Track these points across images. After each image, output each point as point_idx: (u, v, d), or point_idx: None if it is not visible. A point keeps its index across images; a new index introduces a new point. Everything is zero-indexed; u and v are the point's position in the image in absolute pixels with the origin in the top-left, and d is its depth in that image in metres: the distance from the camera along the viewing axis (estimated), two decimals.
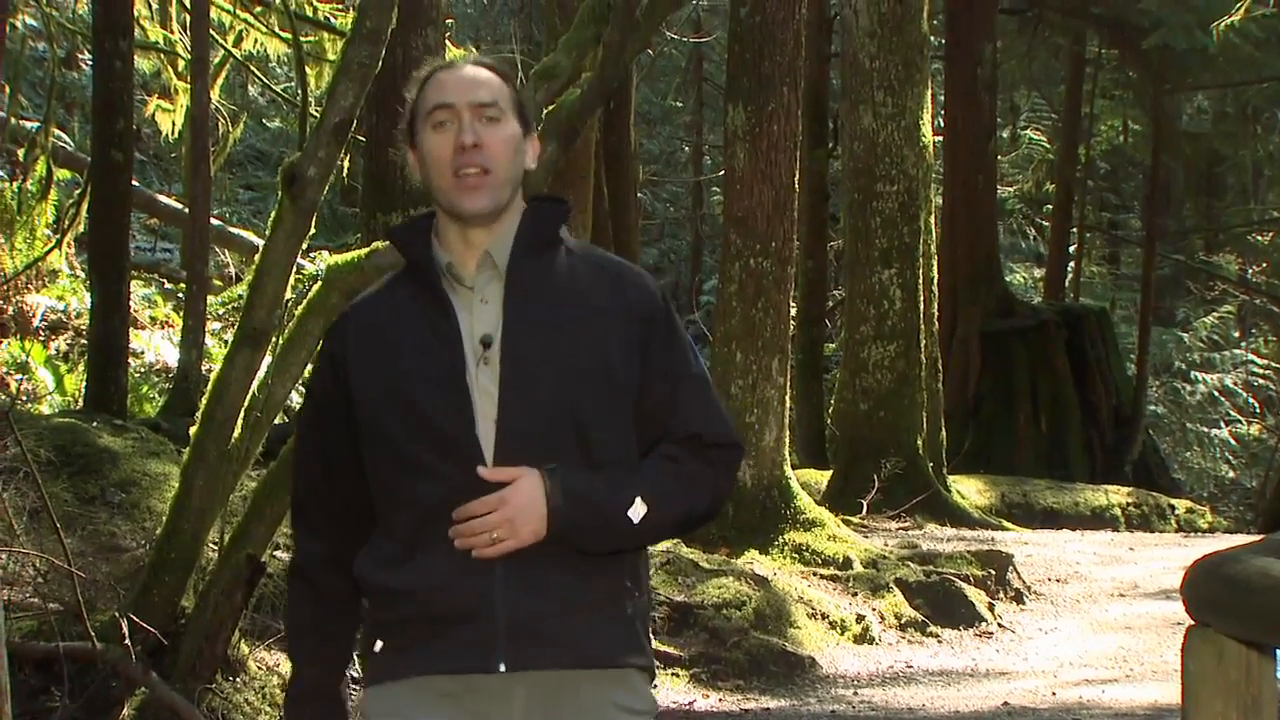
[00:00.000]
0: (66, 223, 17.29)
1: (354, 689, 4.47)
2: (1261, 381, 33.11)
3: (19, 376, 15.62)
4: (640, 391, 3.44)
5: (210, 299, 15.78)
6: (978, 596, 11.92)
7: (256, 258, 6.78)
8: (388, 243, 6.53)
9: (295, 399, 11.00)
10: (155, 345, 17.89)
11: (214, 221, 18.11)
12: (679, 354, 3.53)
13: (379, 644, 3.47)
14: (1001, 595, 12.45)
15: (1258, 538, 4.53)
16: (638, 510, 3.37)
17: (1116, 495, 19.68)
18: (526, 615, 3.33)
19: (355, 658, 3.63)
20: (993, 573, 12.60)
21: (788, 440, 13.71)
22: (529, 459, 3.32)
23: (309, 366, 6.29)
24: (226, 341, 10.04)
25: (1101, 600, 12.85)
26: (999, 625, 11.73)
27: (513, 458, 3.32)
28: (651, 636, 3.66)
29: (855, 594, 11.57)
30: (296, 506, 3.69)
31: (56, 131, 19.87)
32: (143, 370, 17.05)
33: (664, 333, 3.51)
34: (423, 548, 3.37)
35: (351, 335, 3.52)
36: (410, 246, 3.56)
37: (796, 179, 13.29)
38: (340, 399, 3.47)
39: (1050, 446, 22.48)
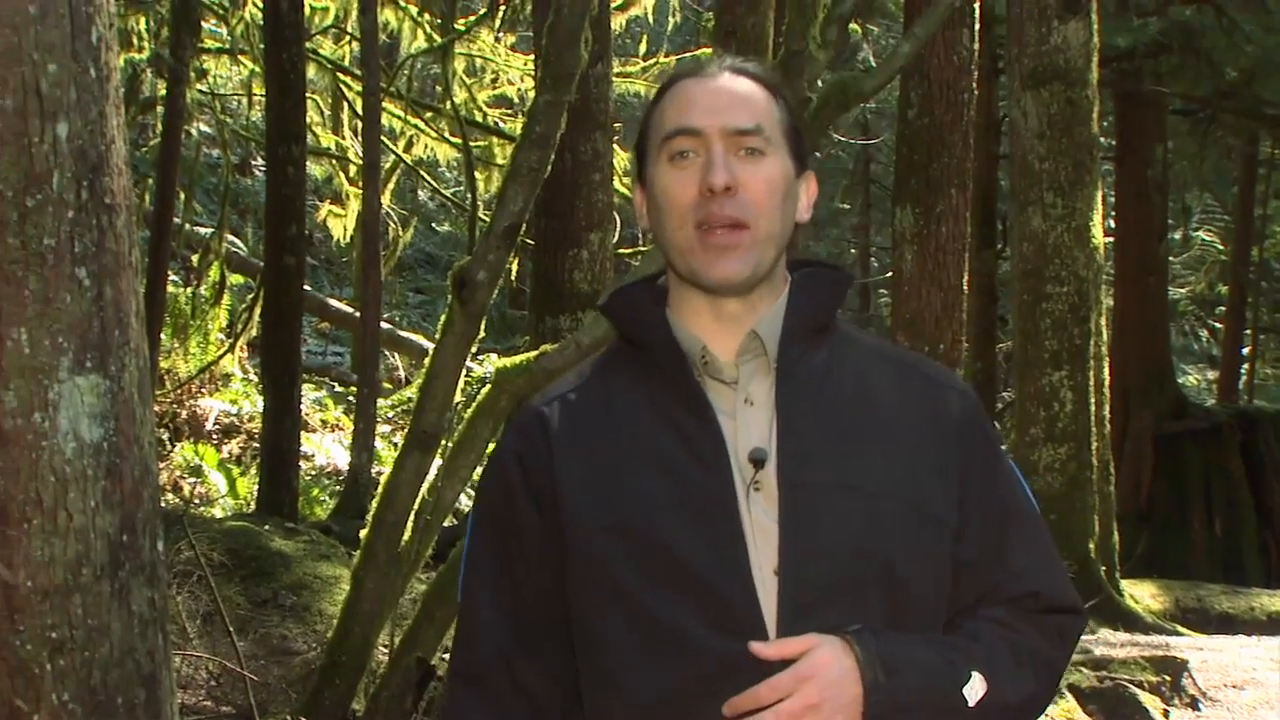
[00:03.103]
0: (239, 327, 17.57)
1: None
2: None
3: (192, 480, 15.83)
4: (958, 533, 2.56)
5: (380, 402, 15.92)
6: (1152, 703, 11.68)
7: (426, 361, 6.80)
8: (555, 345, 6.56)
9: (465, 501, 11.04)
10: (326, 448, 18.07)
11: (384, 325, 18.30)
12: (1006, 484, 2.67)
13: None
14: (1177, 701, 12.18)
15: None
16: (975, 689, 2.46)
17: None
18: None
19: None
20: (1168, 679, 12.35)
21: None
22: (823, 625, 2.40)
23: (477, 470, 6.28)
24: (396, 444, 10.11)
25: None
26: None
27: (801, 620, 2.40)
28: None
29: None
30: (469, 680, 2.62)
31: (230, 237, 20.24)
32: (314, 473, 17.22)
33: (986, 455, 2.65)
34: None
35: (555, 442, 2.56)
36: (637, 323, 2.63)
37: (965, 280, 13.18)
38: (535, 528, 2.55)
39: (1225, 550, 22.06)
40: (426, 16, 17.65)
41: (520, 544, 2.56)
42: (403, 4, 17.45)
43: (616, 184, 15.67)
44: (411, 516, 6.67)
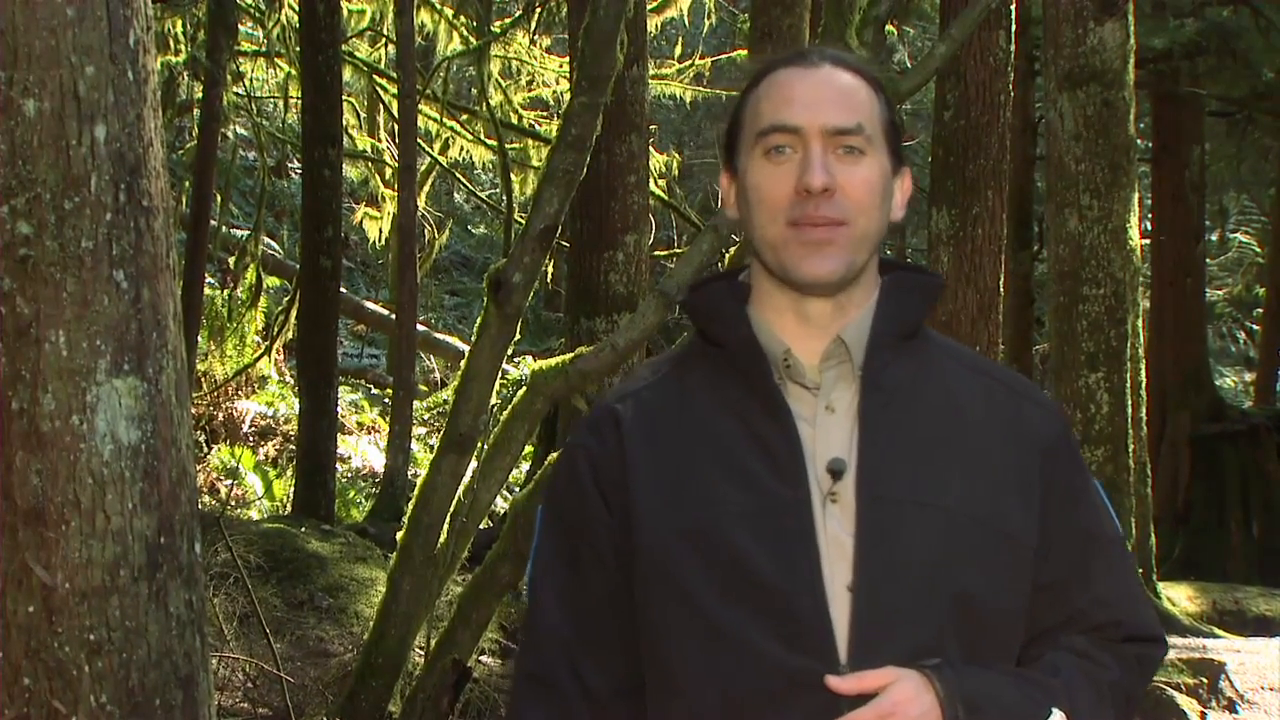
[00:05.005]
0: (275, 329, 17.59)
1: None
2: None
3: (229, 482, 15.86)
4: (1039, 555, 2.45)
5: (416, 404, 15.92)
6: (1190, 705, 11.63)
7: (462, 363, 6.80)
8: (591, 348, 6.55)
9: (500, 504, 11.04)
10: (362, 450, 18.10)
11: (420, 327, 18.32)
12: (1090, 505, 2.56)
13: None
14: (1214, 704, 12.13)
15: None
16: None
17: None
18: None
19: None
20: (1205, 681, 12.30)
21: None
22: (897, 646, 2.31)
23: (513, 473, 6.28)
24: (432, 446, 10.11)
25: None
26: None
27: (875, 643, 2.31)
28: None
29: None
30: (535, 681, 2.51)
31: (266, 239, 20.31)
32: (350, 475, 17.24)
33: (1071, 476, 2.53)
34: None
35: (628, 440, 2.46)
36: (718, 321, 2.50)
37: (1001, 282, 13.17)
38: (606, 528, 2.45)
39: (1262, 552, 21.96)
40: (462, 19, 17.66)
41: (590, 544, 2.47)
42: (439, 6, 17.47)
43: (652, 186, 15.67)
44: (447, 519, 6.68)
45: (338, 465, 14.76)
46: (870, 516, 2.34)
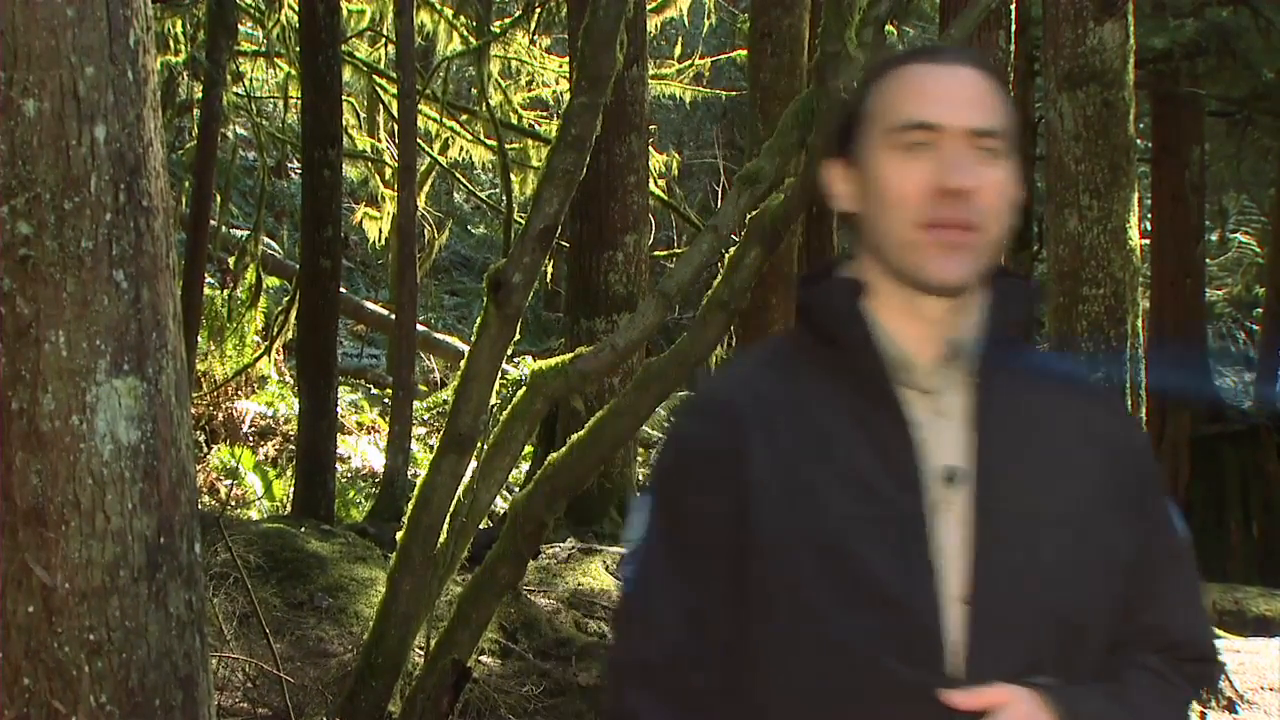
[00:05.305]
0: (275, 329, 17.58)
1: None
2: None
3: (228, 482, 15.86)
4: (1128, 571, 2.42)
5: (416, 404, 15.92)
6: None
7: (462, 363, 6.80)
8: (591, 348, 6.55)
9: (500, 504, 11.03)
10: (362, 450, 18.09)
11: (419, 327, 18.31)
12: (1169, 526, 2.55)
13: None
14: (1214, 704, 12.12)
15: None
16: None
17: None
18: None
19: None
20: None
21: None
22: (1010, 661, 2.28)
23: (513, 473, 6.27)
24: (432, 447, 10.11)
25: None
26: None
27: (990, 657, 2.27)
28: None
29: None
30: (643, 679, 2.41)
31: (266, 239, 20.31)
32: (349, 475, 17.23)
33: (1156, 494, 2.53)
34: None
35: (744, 434, 2.36)
36: (839, 318, 2.40)
37: None
38: (720, 524, 2.34)
39: (1262, 553, 21.97)
40: (462, 19, 17.67)
41: (701, 539, 2.37)
42: (439, 6, 17.47)
43: (652, 186, 15.67)
44: (447, 519, 6.68)
45: (338, 465, 14.75)
46: (988, 527, 2.30)
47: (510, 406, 6.84)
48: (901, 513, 2.28)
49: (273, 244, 23.58)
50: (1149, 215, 24.07)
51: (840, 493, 2.29)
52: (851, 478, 2.30)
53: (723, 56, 21.84)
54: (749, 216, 6.71)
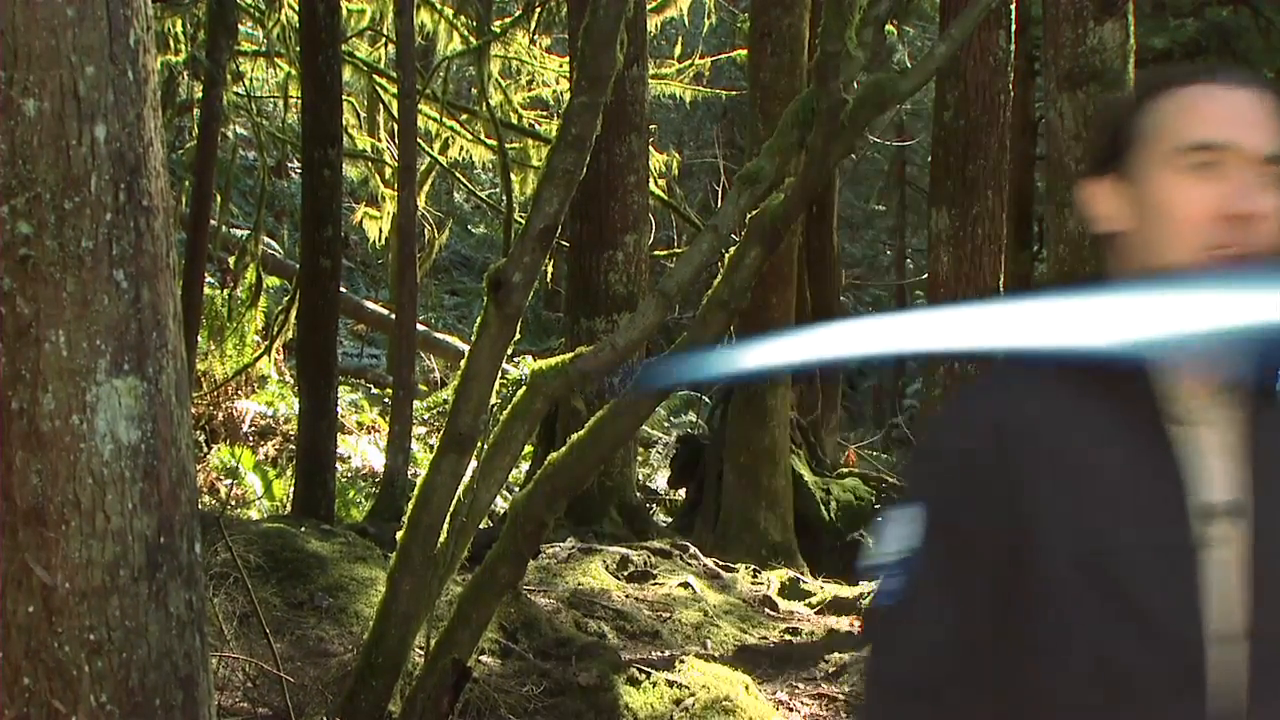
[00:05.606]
0: (275, 329, 17.58)
1: None
2: None
3: (228, 482, 15.86)
4: None
5: (416, 404, 15.91)
6: None
7: (462, 363, 6.80)
8: (591, 348, 6.55)
9: (500, 504, 11.04)
10: (362, 450, 18.09)
11: (420, 327, 18.32)
12: None
13: None
14: None
15: None
16: None
17: None
18: None
19: None
20: None
21: None
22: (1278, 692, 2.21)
23: (513, 473, 6.26)
24: (432, 446, 10.11)
25: None
26: None
27: (1272, 695, 2.21)
28: None
29: None
30: (915, 694, 2.35)
31: (266, 239, 20.30)
32: (349, 475, 17.23)
33: None
34: None
35: (1017, 452, 2.29)
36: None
37: (1001, 282, 13.15)
38: (992, 541, 2.28)
39: None
40: (462, 19, 17.67)
41: (972, 555, 2.31)
42: (439, 6, 17.48)
43: (652, 186, 15.68)
44: (447, 519, 6.68)
45: (338, 465, 14.75)
46: (1268, 562, 2.23)
47: (510, 406, 6.84)
48: (1176, 544, 2.22)
49: (273, 244, 23.58)
50: None
51: (1114, 522, 2.23)
52: (1125, 508, 2.24)
53: (723, 56, 21.86)
54: (749, 216, 6.71)
